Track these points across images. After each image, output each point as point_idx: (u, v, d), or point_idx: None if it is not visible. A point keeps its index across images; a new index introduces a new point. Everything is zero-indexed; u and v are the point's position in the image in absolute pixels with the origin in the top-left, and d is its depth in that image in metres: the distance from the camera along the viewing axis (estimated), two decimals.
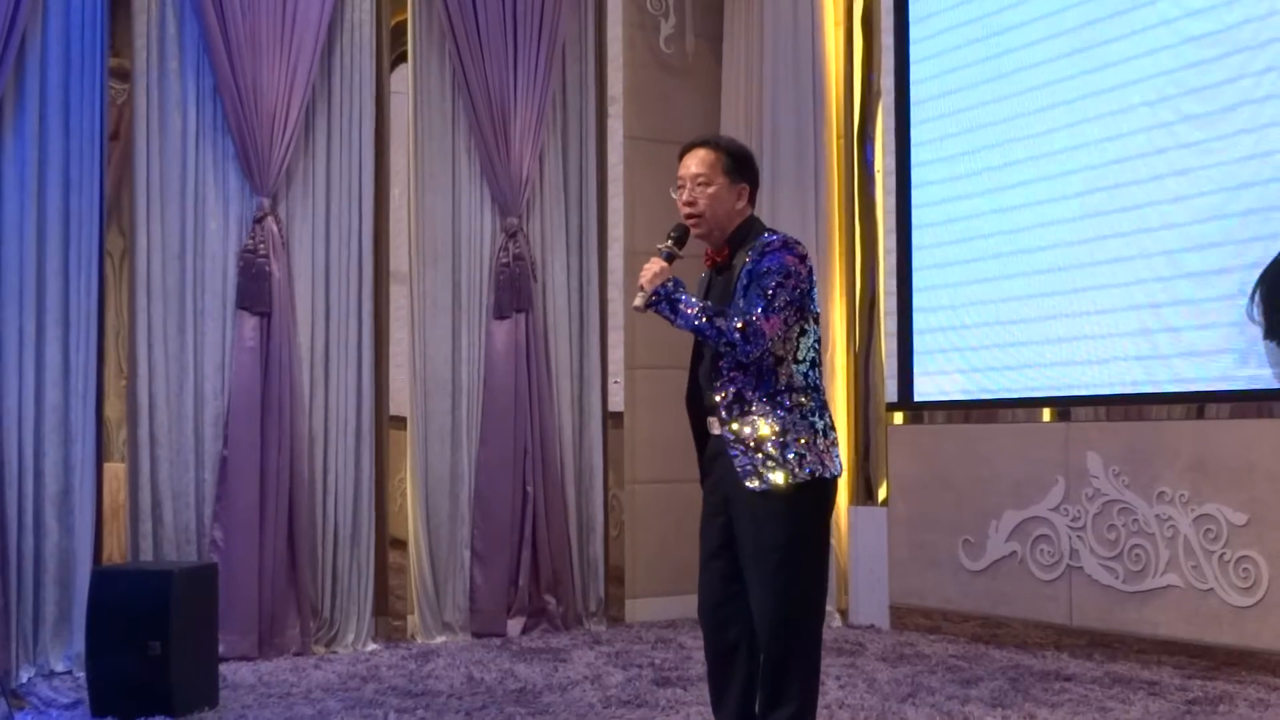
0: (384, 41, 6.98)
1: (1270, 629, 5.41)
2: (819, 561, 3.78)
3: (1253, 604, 5.48)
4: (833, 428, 3.81)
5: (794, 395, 3.72)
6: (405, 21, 7.11)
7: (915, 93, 7.17)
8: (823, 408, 3.79)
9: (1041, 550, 6.31)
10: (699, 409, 3.89)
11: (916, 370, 7.08)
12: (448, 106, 7.10)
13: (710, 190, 3.83)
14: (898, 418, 7.16)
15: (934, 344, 7.00)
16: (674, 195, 3.92)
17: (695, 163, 3.86)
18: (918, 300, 7.09)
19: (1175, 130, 5.90)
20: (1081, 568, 6.14)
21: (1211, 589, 5.62)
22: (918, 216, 7.12)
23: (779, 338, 3.69)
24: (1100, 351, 6.19)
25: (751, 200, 3.92)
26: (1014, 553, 6.44)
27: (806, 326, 3.77)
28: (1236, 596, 5.53)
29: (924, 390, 7.04)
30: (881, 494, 7.19)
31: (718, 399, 3.74)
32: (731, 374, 3.72)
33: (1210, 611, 5.62)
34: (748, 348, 3.63)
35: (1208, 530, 5.64)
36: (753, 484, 3.67)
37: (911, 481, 6.98)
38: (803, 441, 3.69)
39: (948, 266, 6.94)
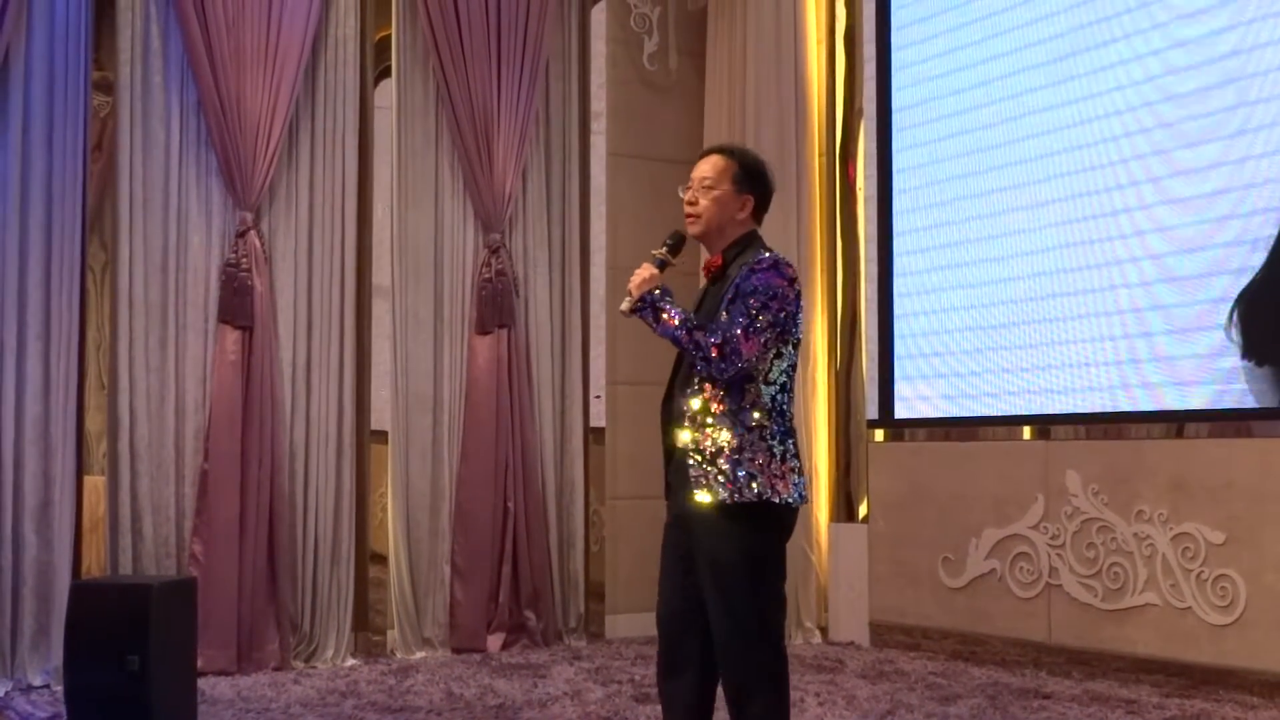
0: (368, 57, 6.98)
1: (1247, 648, 5.44)
2: (770, 584, 3.74)
3: (1230, 623, 5.50)
4: (794, 455, 3.75)
5: (757, 415, 3.69)
6: (389, 37, 7.12)
7: (897, 111, 7.21)
8: (786, 434, 3.75)
9: (1021, 568, 6.34)
10: (669, 417, 3.88)
11: (897, 388, 7.10)
12: (431, 122, 7.11)
13: (714, 194, 3.85)
14: (878, 435, 7.18)
15: (915, 362, 7.03)
16: (681, 194, 3.93)
17: (707, 167, 3.89)
18: (899, 318, 7.11)
19: (1156, 156, 5.94)
20: (1060, 586, 6.16)
21: (1189, 608, 5.64)
22: (899, 234, 7.15)
23: (756, 358, 3.68)
24: (1080, 370, 6.22)
25: (756, 215, 3.93)
26: (993, 570, 6.46)
27: (784, 350, 3.76)
28: (1214, 615, 5.55)
29: (905, 408, 7.07)
30: (862, 511, 7.21)
31: (685, 408, 3.75)
32: (702, 385, 3.72)
33: (1188, 630, 5.64)
34: (723, 365, 3.64)
35: (1186, 549, 5.67)
36: (702, 495, 3.66)
37: (892, 499, 7.00)
38: (758, 462, 3.66)
39: (929, 284, 6.97)
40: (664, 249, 3.85)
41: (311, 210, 6.68)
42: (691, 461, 3.70)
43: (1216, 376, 5.69)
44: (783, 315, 3.71)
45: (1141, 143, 6.00)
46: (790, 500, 3.71)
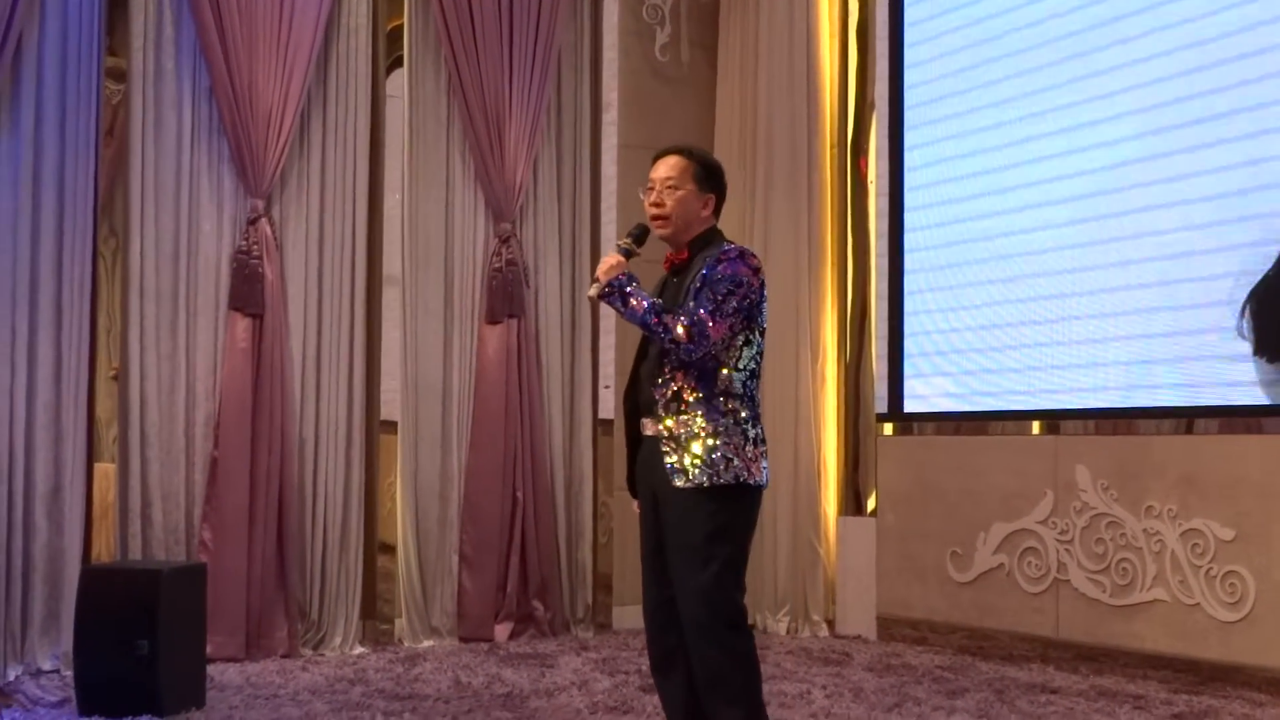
0: (380, 46, 6.98)
1: (1256, 644, 5.43)
2: (739, 563, 3.84)
3: (1239, 619, 5.50)
4: (763, 440, 3.90)
5: (730, 401, 3.82)
6: (401, 26, 7.12)
7: (909, 105, 7.20)
8: (756, 418, 3.88)
9: (1029, 563, 6.34)
10: (635, 407, 3.99)
11: (907, 382, 7.10)
12: (443, 111, 7.11)
13: (678, 194, 3.95)
14: (887, 429, 7.18)
15: (925, 356, 7.02)
16: (641, 196, 4.04)
17: (666, 168, 3.99)
18: (909, 312, 7.11)
19: (1172, 153, 5.92)
20: (1069, 581, 6.16)
21: (1198, 604, 5.64)
22: (910, 228, 7.15)
23: (723, 342, 3.80)
24: (1090, 365, 6.22)
25: (716, 212, 4.04)
26: (1001, 565, 6.46)
27: (752, 337, 3.88)
28: (1223, 611, 5.55)
29: (914, 402, 7.06)
30: (870, 504, 7.20)
31: (656, 395, 3.85)
32: (673, 373, 3.83)
33: (1197, 626, 5.64)
34: (690, 346, 3.74)
35: (1195, 545, 5.66)
36: (678, 481, 3.78)
37: (900, 493, 7.00)
38: (732, 446, 3.79)
39: (939, 278, 6.97)
40: (629, 239, 3.98)
41: (322, 198, 6.69)
42: (666, 449, 3.81)
43: (1227, 373, 5.68)
44: (748, 303, 3.84)
45: (1154, 141, 5.98)
46: (762, 483, 3.87)
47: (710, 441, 3.77)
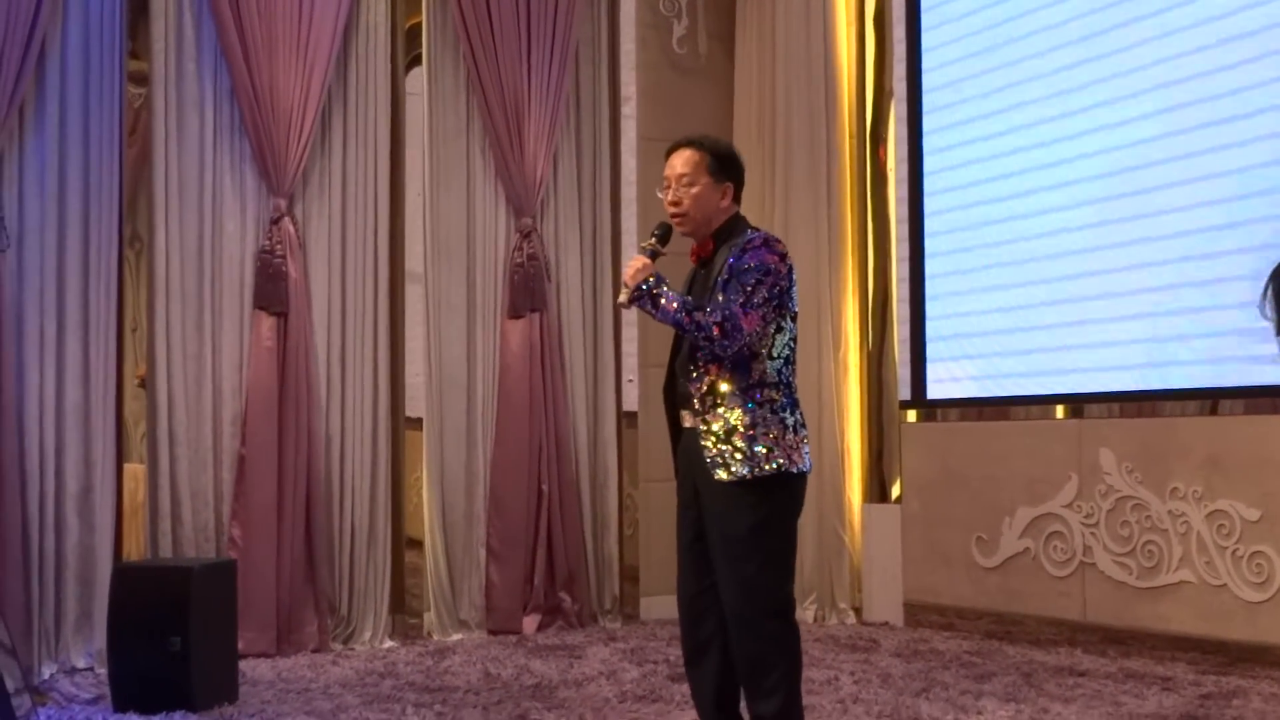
0: (399, 44, 7.02)
1: None
2: (785, 555, 3.84)
3: (1266, 599, 5.49)
4: (803, 425, 3.87)
5: (766, 390, 3.80)
6: (420, 24, 7.15)
7: (927, 92, 7.21)
8: (794, 404, 3.86)
9: (1055, 547, 6.34)
10: (674, 401, 3.98)
11: (929, 368, 7.11)
12: (462, 108, 7.15)
13: (695, 190, 3.91)
14: (911, 415, 7.19)
15: (947, 342, 7.03)
16: (660, 195, 4.00)
17: (680, 163, 3.95)
18: (930, 299, 7.12)
19: (1191, 131, 5.91)
20: (1095, 564, 6.16)
21: (1225, 585, 5.63)
22: (930, 215, 7.15)
23: (757, 333, 3.77)
24: (1113, 348, 6.21)
25: (736, 198, 4.00)
26: (1027, 549, 6.46)
27: (783, 324, 3.85)
28: (1250, 592, 5.54)
29: (937, 388, 7.07)
30: (895, 491, 7.21)
31: (692, 390, 3.84)
32: (707, 366, 3.81)
33: (1224, 607, 5.63)
34: (725, 342, 3.72)
35: (1221, 526, 5.66)
36: (720, 475, 3.76)
37: (925, 479, 7.01)
38: (772, 435, 3.76)
39: (960, 264, 6.97)
40: (653, 239, 3.95)
41: (344, 196, 6.73)
42: (706, 443, 3.79)
43: (1251, 353, 5.66)
44: (777, 290, 3.80)
45: (1173, 118, 5.97)
46: (805, 469, 3.84)
47: (750, 433, 3.74)
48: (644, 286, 3.80)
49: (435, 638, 6.79)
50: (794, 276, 3.89)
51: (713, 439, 3.78)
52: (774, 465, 3.75)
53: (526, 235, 7.10)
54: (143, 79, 6.37)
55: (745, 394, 3.78)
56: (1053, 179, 6.50)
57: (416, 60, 7.27)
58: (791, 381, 3.89)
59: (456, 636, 6.81)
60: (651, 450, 7.47)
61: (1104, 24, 6.28)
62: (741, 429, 3.75)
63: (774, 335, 3.82)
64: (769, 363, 3.81)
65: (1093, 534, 6.17)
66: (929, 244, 7.14)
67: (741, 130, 7.72)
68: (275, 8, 6.46)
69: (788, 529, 3.85)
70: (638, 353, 7.51)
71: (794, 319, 3.90)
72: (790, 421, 3.81)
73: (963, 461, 6.81)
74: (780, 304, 3.82)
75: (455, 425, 7.00)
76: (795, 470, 3.79)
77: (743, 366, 3.78)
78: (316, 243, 6.65)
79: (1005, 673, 5.57)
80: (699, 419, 3.82)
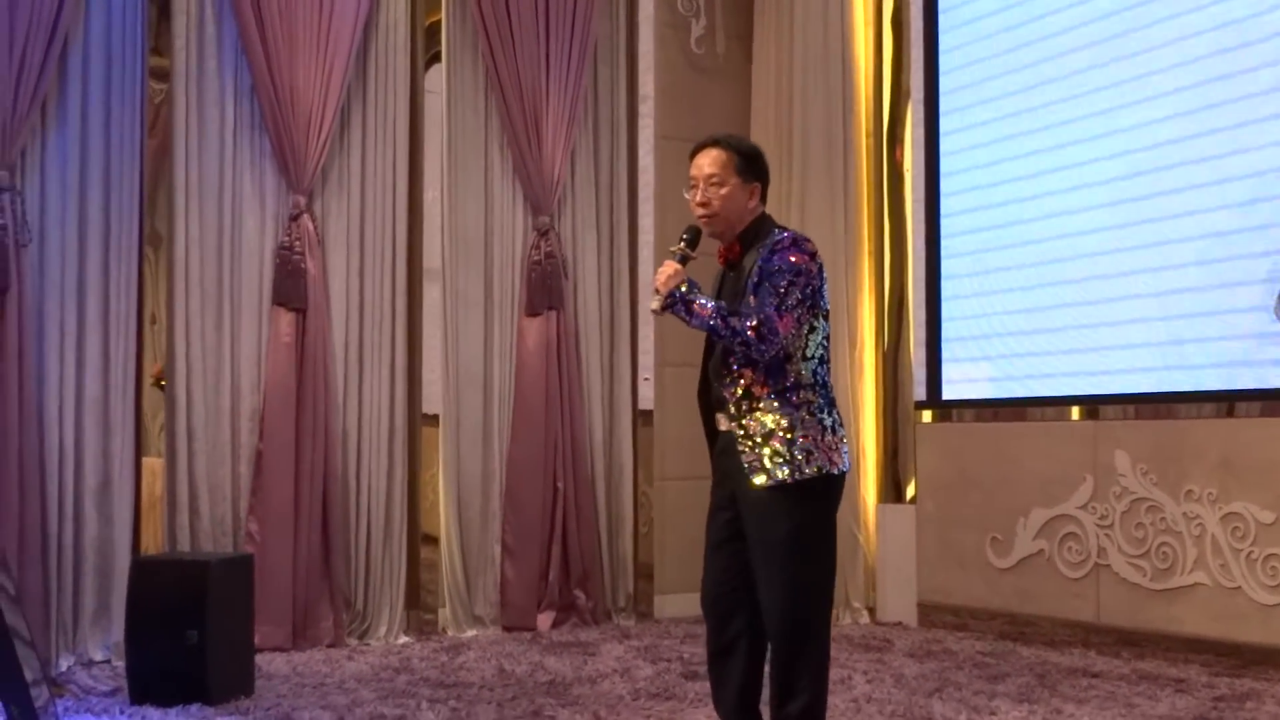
0: (418, 42, 7.05)
1: None
2: (826, 556, 3.82)
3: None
4: (840, 424, 3.84)
5: (802, 392, 3.76)
6: (439, 22, 7.18)
7: (944, 93, 7.21)
8: (830, 404, 3.83)
9: (1069, 548, 6.34)
10: (709, 404, 3.95)
11: (945, 369, 7.11)
12: (481, 106, 7.17)
13: (724, 191, 3.86)
14: (926, 416, 7.19)
15: (962, 343, 7.03)
16: (686, 196, 3.95)
17: (708, 163, 3.89)
18: (946, 300, 7.12)
19: (1208, 135, 5.91)
20: (1109, 566, 6.16)
21: (1239, 587, 5.63)
22: (946, 216, 7.16)
23: (792, 335, 3.73)
24: (1129, 350, 6.21)
25: (763, 198, 3.95)
26: (1041, 551, 6.46)
27: (816, 323, 3.81)
28: (1264, 595, 5.54)
29: (952, 388, 7.07)
30: (910, 492, 7.22)
31: (726, 394, 3.80)
32: (740, 370, 3.77)
33: (1238, 609, 5.63)
34: (762, 347, 3.68)
35: (1235, 528, 5.65)
36: (759, 479, 3.72)
37: (940, 480, 7.01)
38: (810, 437, 3.73)
39: (976, 265, 6.97)
40: (682, 244, 3.88)
41: (363, 193, 6.76)
42: (743, 448, 3.75)
43: (1266, 356, 5.66)
44: (809, 289, 3.76)
45: (1191, 121, 5.97)
46: (844, 469, 3.81)
47: (788, 436, 3.70)
48: (677, 293, 3.76)
49: (450, 634, 6.81)
50: (824, 274, 3.85)
51: (750, 443, 3.74)
52: (815, 468, 3.72)
53: (544, 233, 7.12)
54: (164, 75, 6.41)
55: (781, 396, 3.74)
56: (1069, 181, 6.50)
57: (436, 58, 7.30)
58: (827, 381, 3.84)
59: (471, 633, 6.84)
60: (666, 449, 7.50)
61: (1122, 27, 6.28)
62: (780, 432, 3.72)
63: (807, 335, 3.78)
64: (804, 364, 3.78)
65: (1107, 536, 6.16)
66: (945, 245, 7.15)
67: (759, 130, 7.73)
68: (296, 5, 6.49)
69: (828, 529, 3.82)
70: (654, 351, 7.53)
71: (826, 317, 3.85)
72: (828, 422, 3.78)
73: (978, 462, 6.81)
74: (812, 303, 3.78)
75: (472, 422, 7.03)
76: (835, 471, 3.77)
77: (778, 368, 3.74)
78: (335, 239, 6.68)
79: (1019, 674, 5.58)
80: (735, 423, 3.78)
